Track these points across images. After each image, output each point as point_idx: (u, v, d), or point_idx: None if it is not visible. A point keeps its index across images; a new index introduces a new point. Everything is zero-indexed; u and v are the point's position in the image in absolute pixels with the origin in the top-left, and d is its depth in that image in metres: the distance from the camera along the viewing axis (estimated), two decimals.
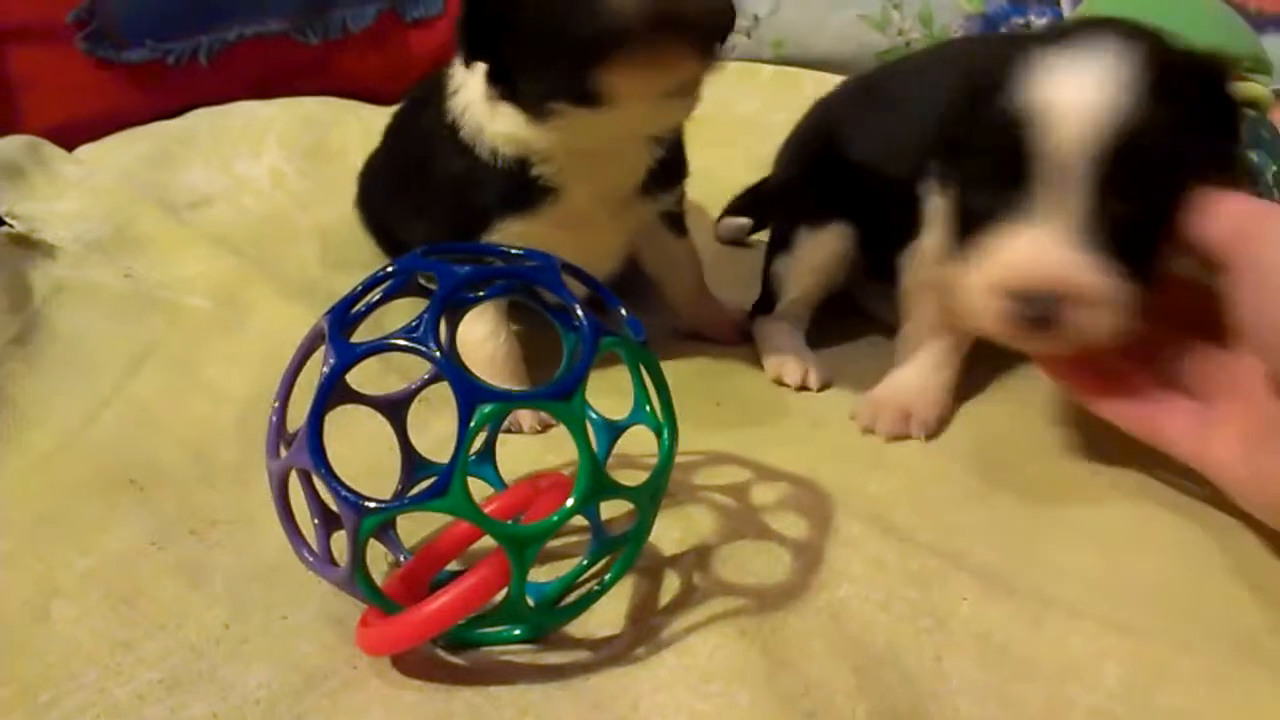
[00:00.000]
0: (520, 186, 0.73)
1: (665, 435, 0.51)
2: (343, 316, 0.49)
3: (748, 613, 0.53)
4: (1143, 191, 0.53)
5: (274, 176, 1.07)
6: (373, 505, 0.45)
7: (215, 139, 1.12)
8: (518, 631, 0.50)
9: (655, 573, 0.56)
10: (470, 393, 0.45)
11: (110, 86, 1.18)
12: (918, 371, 0.71)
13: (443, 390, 0.62)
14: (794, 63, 1.41)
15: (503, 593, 0.47)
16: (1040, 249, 0.53)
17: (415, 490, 0.59)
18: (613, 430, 0.56)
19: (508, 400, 0.47)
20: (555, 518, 0.46)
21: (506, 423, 0.68)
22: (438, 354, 0.46)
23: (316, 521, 0.53)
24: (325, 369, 0.48)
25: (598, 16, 0.59)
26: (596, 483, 0.47)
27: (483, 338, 0.75)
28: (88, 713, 0.46)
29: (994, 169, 0.55)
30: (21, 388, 0.72)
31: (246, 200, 1.03)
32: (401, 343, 0.47)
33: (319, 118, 1.17)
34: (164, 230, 0.93)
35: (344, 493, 0.45)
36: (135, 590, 0.55)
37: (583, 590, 0.52)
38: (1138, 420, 0.59)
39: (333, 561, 0.52)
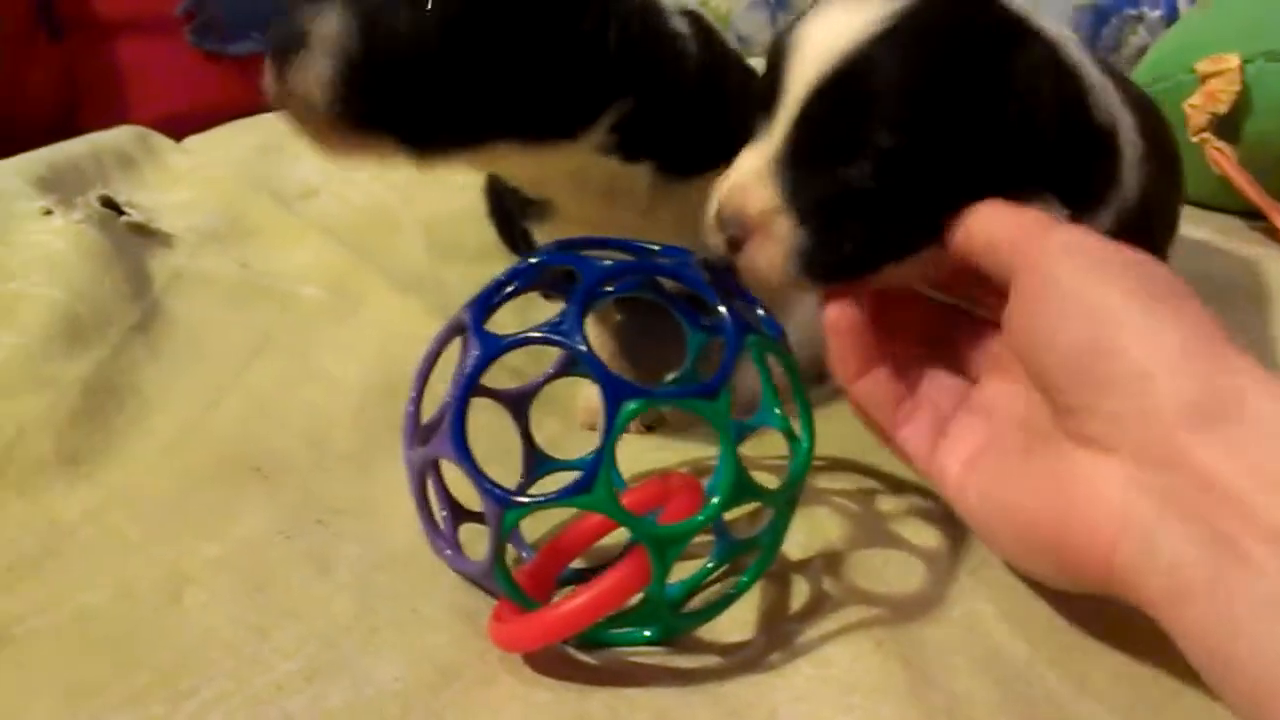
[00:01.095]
0: (525, 197, 0.72)
1: (805, 440, 0.50)
2: (485, 308, 0.49)
3: (883, 623, 0.51)
4: (844, 149, 0.48)
5: (375, 170, 1.08)
6: (519, 499, 0.45)
7: None
8: (648, 633, 0.49)
9: (783, 577, 0.55)
10: (617, 390, 0.44)
11: (215, 78, 1.20)
12: None
13: (554, 388, 0.62)
14: None
15: (640, 594, 0.46)
16: (736, 173, 0.50)
17: (536, 487, 0.59)
18: (740, 431, 0.55)
19: (652, 398, 0.46)
20: (700, 518, 0.45)
21: None
22: (584, 349, 0.45)
23: (445, 513, 0.53)
24: (470, 360, 0.48)
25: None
26: (740, 485, 0.46)
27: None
28: (228, 701, 0.46)
29: (760, 98, 0.52)
30: (145, 374, 0.74)
31: (350, 192, 1.04)
32: (548, 336, 0.47)
33: None
34: (275, 220, 0.95)
35: (488, 486, 0.45)
36: (265, 579, 0.55)
37: (710, 593, 0.52)
38: (881, 414, 0.52)
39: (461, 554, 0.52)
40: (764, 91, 0.51)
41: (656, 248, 0.52)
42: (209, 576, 0.56)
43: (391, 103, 0.56)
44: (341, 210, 1.02)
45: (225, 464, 0.66)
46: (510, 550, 0.56)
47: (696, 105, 0.61)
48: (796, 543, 0.57)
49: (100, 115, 1.13)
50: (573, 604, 0.45)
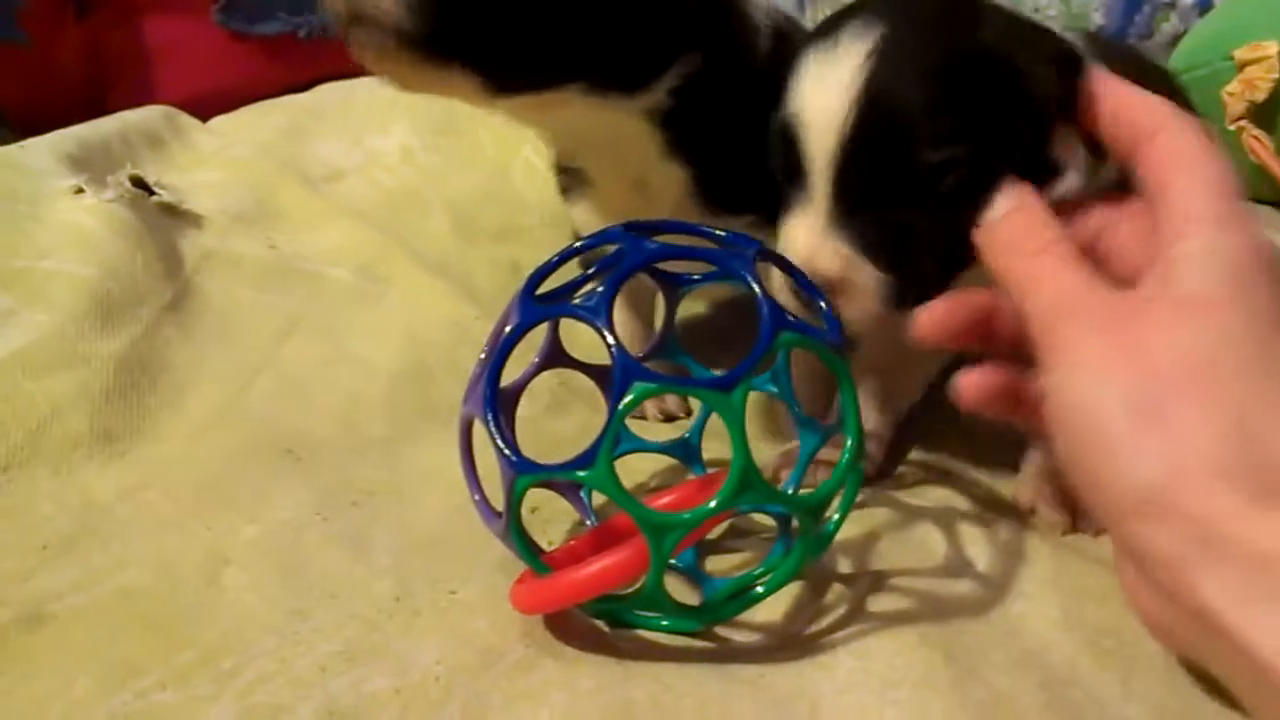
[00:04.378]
0: (565, 171, 0.71)
1: (849, 446, 0.48)
2: (539, 279, 0.50)
3: (924, 619, 0.51)
4: (893, 184, 0.49)
5: (403, 151, 1.08)
6: (525, 465, 0.45)
7: (345, 113, 1.13)
8: (666, 622, 0.49)
9: (827, 570, 0.54)
10: (628, 371, 0.44)
11: (242, 59, 1.20)
12: None
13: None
14: None
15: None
16: (797, 244, 0.52)
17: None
18: (823, 431, 0.54)
19: (664, 384, 0.46)
20: (698, 510, 0.45)
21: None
22: (605, 330, 0.45)
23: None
24: (508, 328, 0.48)
25: None
26: (744, 484, 0.44)
27: (620, 320, 0.73)
28: (273, 681, 0.46)
29: (782, 167, 0.53)
30: (178, 353, 0.74)
31: (378, 174, 1.04)
32: (575, 312, 0.47)
33: None
34: (302, 202, 0.94)
35: (501, 448, 0.45)
36: (303, 560, 0.55)
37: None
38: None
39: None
40: (785, 167, 0.52)
41: (722, 233, 0.51)
42: (247, 557, 0.55)
43: (470, 32, 0.53)
44: (369, 192, 1.02)
45: (258, 444, 0.66)
46: (572, 516, 0.57)
47: (760, 87, 0.61)
48: (842, 534, 0.56)
49: (127, 94, 1.13)
50: (570, 576, 0.46)
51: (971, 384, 0.47)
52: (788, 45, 0.66)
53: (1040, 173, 0.49)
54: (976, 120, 0.48)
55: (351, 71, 1.23)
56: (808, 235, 0.51)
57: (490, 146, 1.12)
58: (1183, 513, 0.35)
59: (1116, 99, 0.45)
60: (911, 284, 0.50)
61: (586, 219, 0.71)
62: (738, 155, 0.60)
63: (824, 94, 0.49)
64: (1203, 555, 0.35)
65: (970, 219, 0.48)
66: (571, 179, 0.71)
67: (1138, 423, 0.36)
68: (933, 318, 0.47)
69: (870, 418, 0.65)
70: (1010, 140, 0.48)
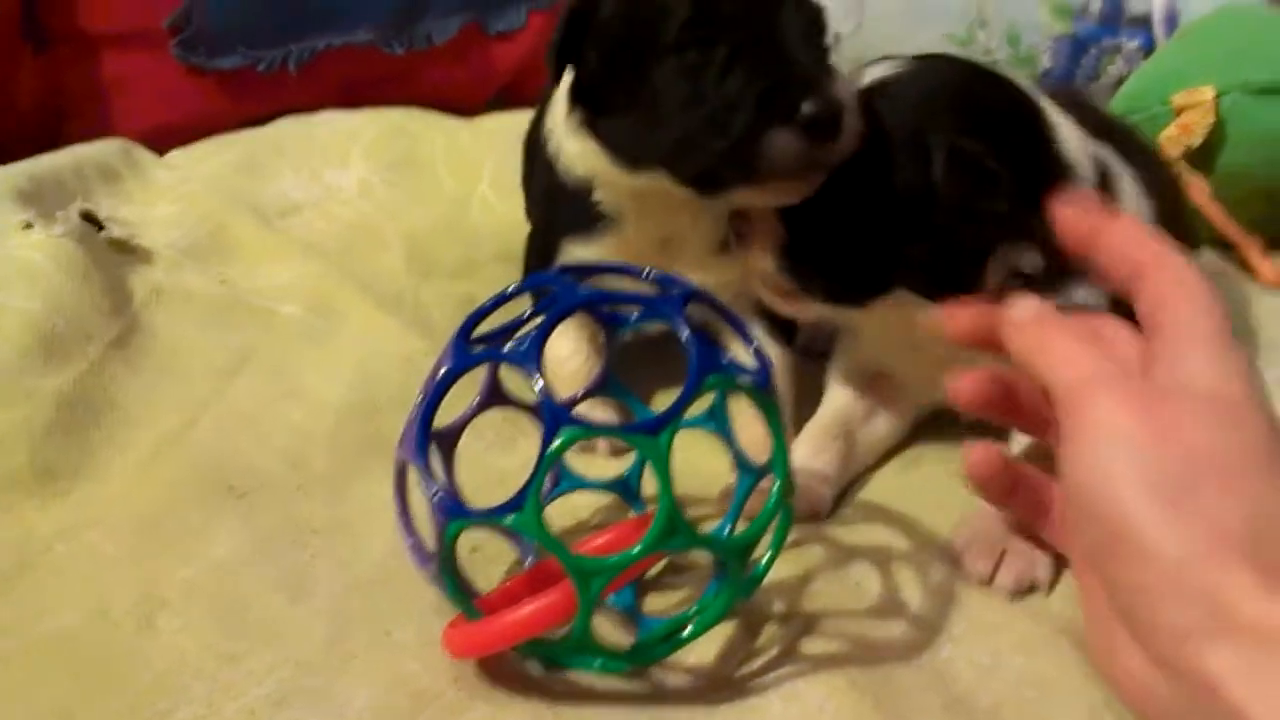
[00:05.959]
0: (583, 210, 0.72)
1: (776, 488, 0.49)
2: (474, 323, 0.51)
3: (855, 662, 0.51)
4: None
5: (361, 186, 1.08)
6: (456, 510, 0.46)
7: (303, 147, 1.13)
8: (598, 663, 0.49)
9: (757, 612, 0.55)
10: (556, 416, 0.45)
11: (201, 92, 1.20)
12: None
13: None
14: None
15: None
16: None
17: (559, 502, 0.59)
18: (758, 471, 0.55)
19: (592, 429, 0.47)
20: (624, 555, 0.45)
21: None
22: (535, 374, 0.46)
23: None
24: (441, 372, 0.48)
25: (754, 149, 0.58)
26: (669, 528, 0.45)
27: (565, 355, 0.75)
28: None
29: None
30: (123, 390, 0.73)
31: (335, 208, 1.04)
32: (507, 358, 0.48)
33: (404, 128, 1.18)
34: (256, 237, 0.94)
35: (433, 492, 0.46)
36: (239, 602, 0.55)
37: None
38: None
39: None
40: None
41: (653, 274, 0.52)
42: (183, 599, 0.55)
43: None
44: (325, 226, 1.02)
45: (202, 482, 0.66)
46: (513, 554, 0.58)
47: None
48: (775, 577, 0.56)
49: (85, 127, 1.12)
50: (500, 621, 0.47)
51: (977, 459, 0.49)
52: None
53: (967, 271, 0.59)
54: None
55: (312, 105, 1.25)
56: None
57: (448, 181, 1.12)
58: (1199, 586, 0.36)
59: (1109, 230, 0.47)
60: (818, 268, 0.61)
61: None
62: None
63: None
64: (1213, 628, 0.36)
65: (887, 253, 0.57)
66: (591, 218, 0.73)
67: (1163, 500, 0.38)
68: (966, 387, 0.49)
69: (825, 460, 0.66)
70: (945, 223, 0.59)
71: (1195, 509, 0.38)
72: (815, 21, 0.63)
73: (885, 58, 0.65)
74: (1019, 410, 0.49)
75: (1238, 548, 0.37)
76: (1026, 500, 0.51)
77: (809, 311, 0.67)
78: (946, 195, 0.59)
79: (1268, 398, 0.41)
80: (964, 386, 0.49)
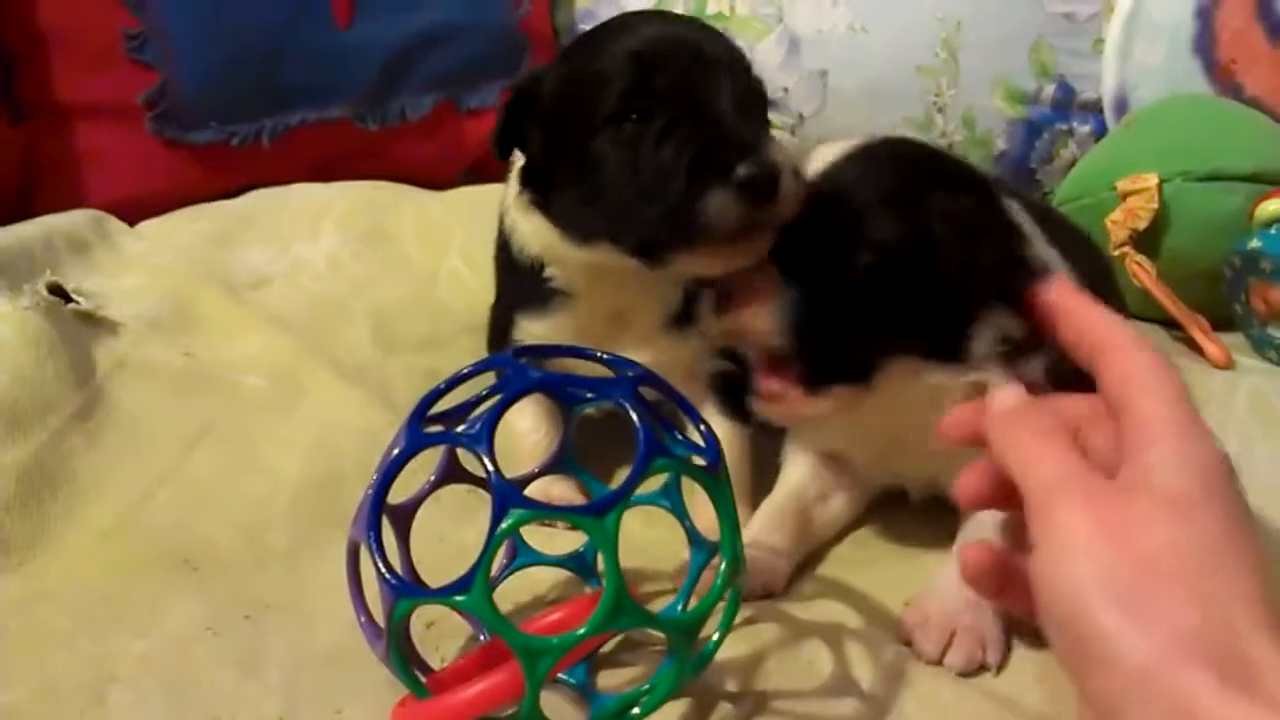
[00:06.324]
0: (536, 286, 0.73)
1: (723, 569, 0.50)
2: (428, 405, 0.52)
3: None
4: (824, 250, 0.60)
5: (330, 259, 1.09)
6: (405, 589, 0.47)
7: (274, 220, 1.15)
8: None
9: (709, 690, 0.55)
10: (505, 498, 0.46)
11: (174, 164, 1.21)
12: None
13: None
14: None
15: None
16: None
17: (514, 577, 0.60)
18: (710, 548, 0.55)
19: (540, 511, 0.48)
20: (571, 635, 0.45)
21: None
22: (485, 458, 0.47)
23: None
24: (394, 452, 0.49)
25: (690, 213, 0.59)
26: (616, 609, 0.45)
27: (526, 430, 0.76)
28: None
29: None
30: (83, 462, 0.74)
31: (304, 281, 1.05)
32: (459, 439, 0.49)
33: (375, 202, 1.20)
34: (222, 309, 0.95)
35: (383, 572, 0.47)
36: (190, 678, 0.55)
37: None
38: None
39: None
40: None
41: (609, 358, 0.54)
42: (135, 675, 0.55)
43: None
44: (293, 299, 1.03)
45: (156, 555, 0.66)
46: (468, 629, 0.58)
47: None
48: (727, 655, 0.56)
49: (57, 198, 1.13)
50: (447, 700, 0.47)
51: (971, 558, 0.50)
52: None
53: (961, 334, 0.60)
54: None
55: (285, 178, 1.27)
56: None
57: (418, 255, 1.14)
58: (1164, 692, 0.37)
59: (1073, 312, 0.49)
60: (818, 352, 0.60)
61: (547, 337, 0.74)
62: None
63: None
64: None
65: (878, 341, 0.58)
66: (544, 295, 0.73)
67: (1123, 607, 0.39)
68: (970, 481, 0.50)
69: (781, 537, 0.67)
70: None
71: (1155, 615, 0.38)
72: (753, 90, 0.65)
73: (834, 140, 0.67)
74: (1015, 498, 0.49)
75: (1197, 652, 0.37)
76: (1021, 594, 0.50)
77: (809, 409, 0.63)
78: (947, 250, 0.59)
79: (1235, 477, 0.42)
80: (968, 484, 0.50)
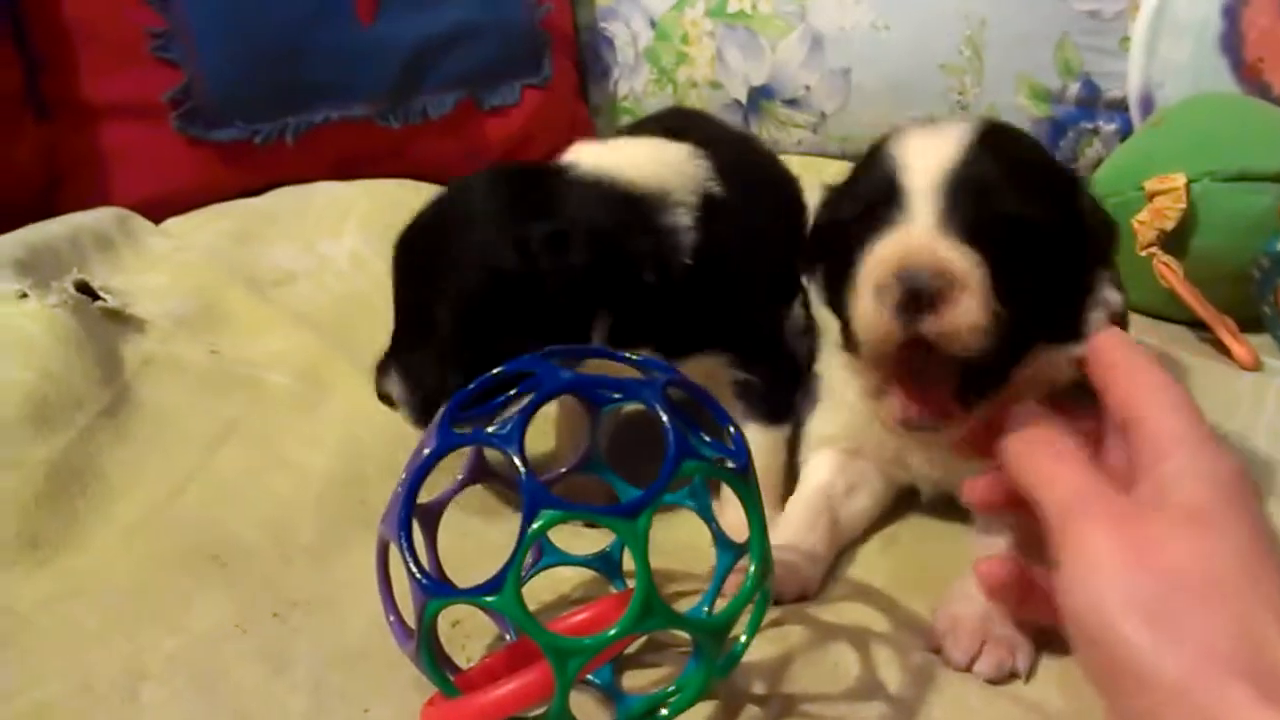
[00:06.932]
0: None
1: (752, 571, 0.50)
2: (460, 403, 0.51)
3: None
4: (983, 228, 0.57)
5: (354, 257, 1.10)
6: (436, 589, 0.47)
7: (298, 218, 1.15)
8: None
9: (736, 693, 0.55)
10: (535, 499, 0.46)
11: (198, 162, 1.22)
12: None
13: None
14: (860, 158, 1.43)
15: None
16: (913, 234, 0.57)
17: (540, 577, 0.61)
18: (737, 551, 0.55)
19: (571, 511, 0.47)
20: (602, 636, 0.45)
21: None
22: (516, 458, 0.47)
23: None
24: (425, 451, 0.49)
25: None
26: (645, 610, 0.45)
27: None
28: None
29: (869, 208, 0.60)
30: (111, 459, 0.74)
31: (328, 279, 1.06)
32: (490, 440, 0.49)
33: (398, 200, 1.19)
34: (248, 307, 0.96)
35: (413, 572, 0.47)
36: (220, 675, 0.56)
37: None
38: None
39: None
40: (876, 188, 0.60)
41: (637, 358, 0.54)
42: (166, 671, 0.56)
43: None
44: (318, 296, 1.03)
45: (186, 552, 0.66)
46: (495, 629, 0.59)
47: (687, 296, 0.69)
48: (755, 657, 0.57)
49: (82, 196, 1.14)
50: (479, 700, 0.47)
51: (989, 574, 0.50)
52: (721, 248, 0.72)
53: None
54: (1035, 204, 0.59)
55: (308, 176, 1.27)
56: (922, 232, 0.56)
57: None
58: (1204, 707, 0.37)
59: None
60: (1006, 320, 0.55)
61: None
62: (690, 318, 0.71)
63: (932, 148, 0.60)
64: None
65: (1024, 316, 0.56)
66: None
67: (1152, 625, 0.39)
68: (980, 488, 0.51)
69: (814, 539, 0.67)
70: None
71: (1185, 630, 0.38)
72: None
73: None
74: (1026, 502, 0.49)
75: (1230, 666, 0.37)
76: (1041, 604, 0.50)
77: (965, 423, 0.58)
78: (1092, 237, 0.62)
79: (1253, 485, 0.42)
80: (978, 488, 0.50)
